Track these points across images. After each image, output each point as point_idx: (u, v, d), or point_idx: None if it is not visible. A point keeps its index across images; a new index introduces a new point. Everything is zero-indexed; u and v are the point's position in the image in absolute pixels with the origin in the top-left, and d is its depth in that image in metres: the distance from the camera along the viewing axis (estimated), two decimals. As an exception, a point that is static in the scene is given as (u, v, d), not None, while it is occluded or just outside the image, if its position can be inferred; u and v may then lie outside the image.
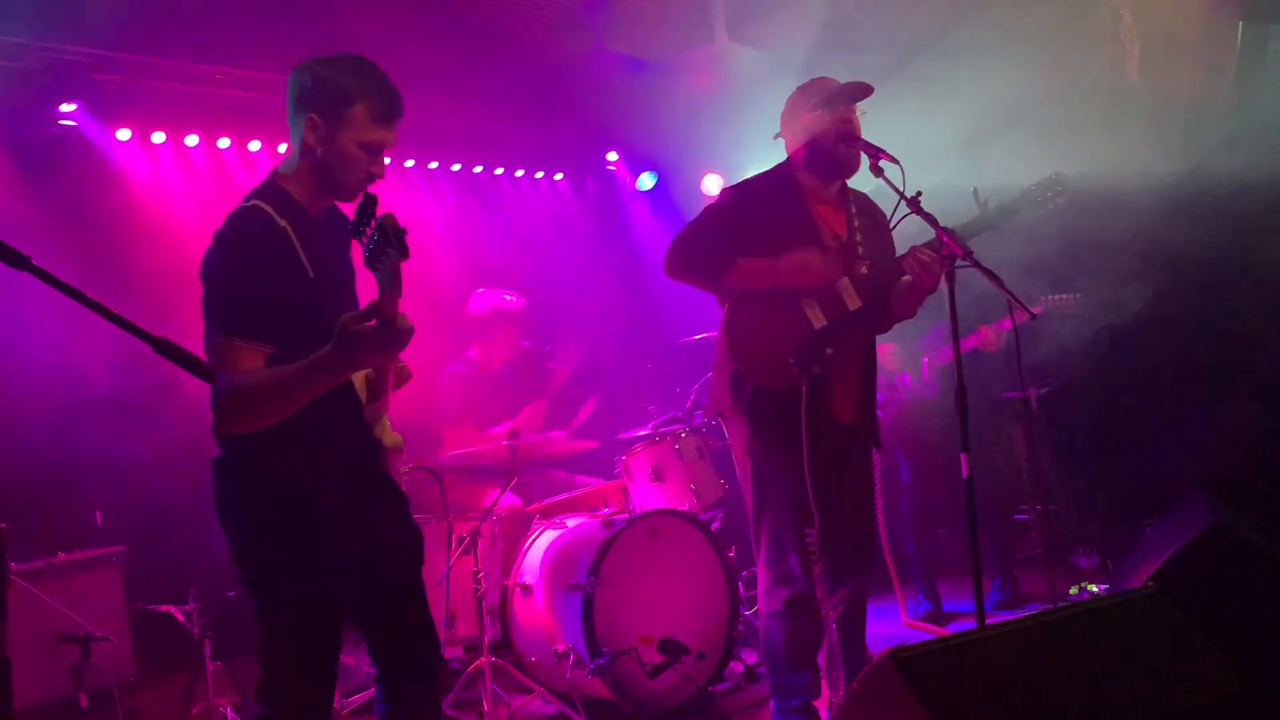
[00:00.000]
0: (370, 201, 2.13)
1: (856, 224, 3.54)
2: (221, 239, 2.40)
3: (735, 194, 3.57)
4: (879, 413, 5.09)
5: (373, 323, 2.13)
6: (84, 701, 4.09)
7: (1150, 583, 2.94)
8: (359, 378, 2.57)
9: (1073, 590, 5.01)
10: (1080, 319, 4.95)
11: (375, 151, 2.48)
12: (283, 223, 2.41)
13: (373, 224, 2.06)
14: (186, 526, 4.55)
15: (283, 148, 5.51)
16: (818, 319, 3.40)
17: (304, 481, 2.43)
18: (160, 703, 4.38)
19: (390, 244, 2.03)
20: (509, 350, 5.25)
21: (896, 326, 3.61)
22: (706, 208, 3.60)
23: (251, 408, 2.28)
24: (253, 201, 2.44)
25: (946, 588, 5.20)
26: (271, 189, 2.48)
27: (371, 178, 2.50)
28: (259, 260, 2.36)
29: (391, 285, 2.08)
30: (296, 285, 2.40)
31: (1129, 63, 5.41)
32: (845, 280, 3.42)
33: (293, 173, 2.50)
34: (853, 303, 3.41)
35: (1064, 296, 5.00)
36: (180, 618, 4.03)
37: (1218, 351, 5.14)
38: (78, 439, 4.55)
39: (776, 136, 3.63)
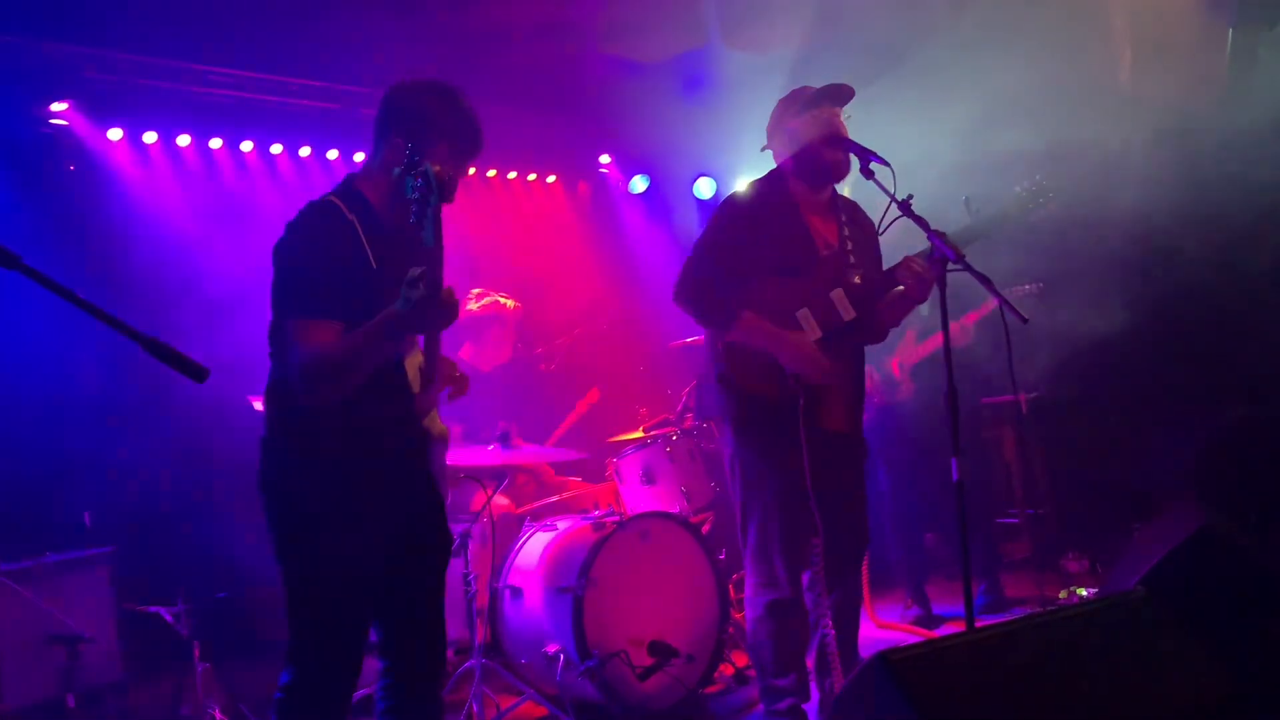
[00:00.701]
0: (415, 153, 2.29)
1: (847, 233, 3.55)
2: (293, 227, 2.53)
3: (730, 211, 3.54)
4: None
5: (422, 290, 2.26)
6: (71, 702, 4.07)
7: (1139, 586, 2.95)
8: (412, 367, 2.63)
9: (1062, 594, 5.02)
10: (1047, 308, 4.92)
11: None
12: (351, 217, 2.53)
13: (419, 176, 2.22)
14: (176, 527, 4.56)
15: (279, 147, 5.50)
16: (813, 330, 3.41)
17: (346, 460, 2.51)
18: (148, 704, 4.37)
19: (433, 190, 2.19)
20: (500, 353, 5.24)
21: None
22: (706, 231, 3.56)
23: (328, 374, 2.42)
24: (327, 197, 2.58)
25: (933, 591, 5.20)
26: (347, 189, 2.61)
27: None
28: (326, 245, 2.49)
29: (434, 236, 2.23)
30: (360, 272, 2.50)
31: (1120, 67, 5.44)
32: (839, 291, 3.42)
33: (372, 180, 2.61)
34: (846, 313, 3.41)
35: (1029, 286, 4.98)
36: (169, 619, 4.01)
37: (1207, 356, 5.16)
38: (67, 439, 4.53)
39: (764, 149, 3.63)
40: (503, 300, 5.19)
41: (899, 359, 5.06)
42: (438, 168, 2.24)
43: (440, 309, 2.33)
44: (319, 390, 2.44)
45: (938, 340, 4.83)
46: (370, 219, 2.56)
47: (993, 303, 4.87)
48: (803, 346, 3.36)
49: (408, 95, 2.61)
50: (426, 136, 2.54)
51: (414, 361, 2.66)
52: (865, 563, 4.91)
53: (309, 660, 2.51)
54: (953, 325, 4.84)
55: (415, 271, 2.25)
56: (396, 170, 2.40)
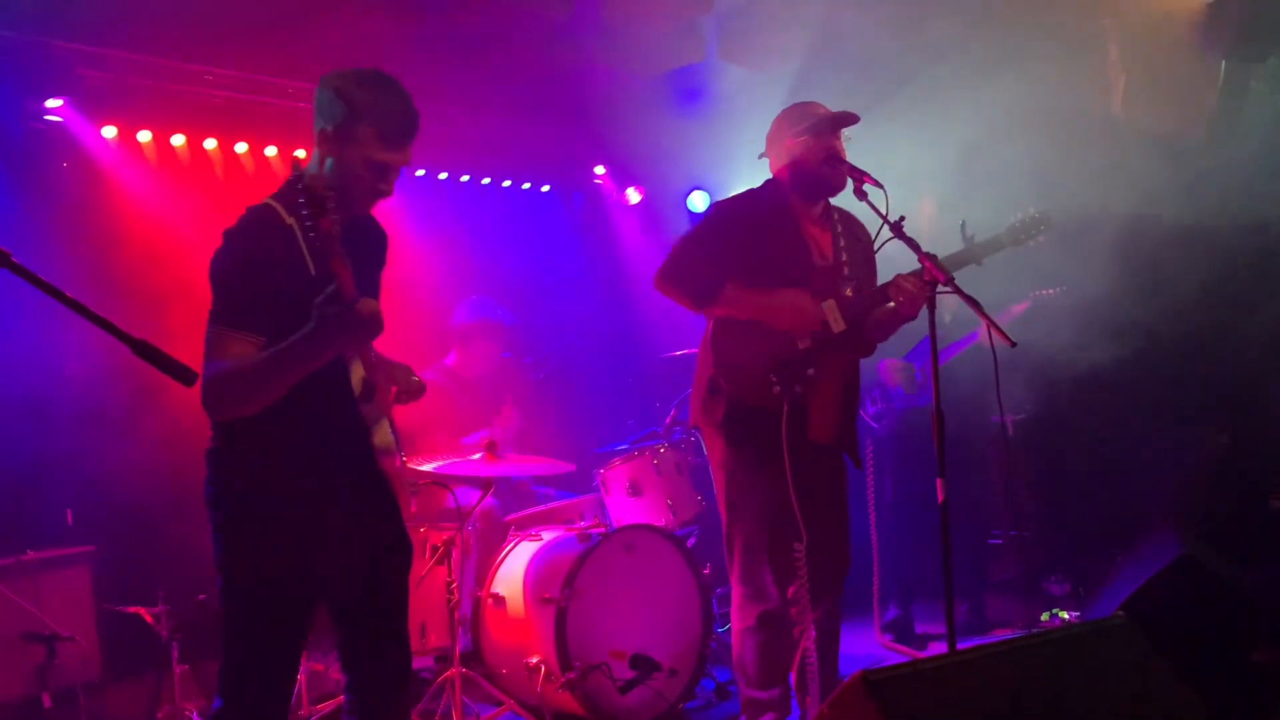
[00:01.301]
0: (298, 173, 2.23)
1: (842, 244, 3.56)
2: (228, 234, 2.46)
3: (727, 211, 3.58)
4: (874, 425, 5.13)
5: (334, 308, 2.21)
6: (47, 702, 4.04)
7: (1120, 612, 2.96)
8: (355, 377, 2.58)
9: (1044, 616, 5.03)
10: (1071, 311, 4.95)
11: (382, 170, 2.51)
12: (290, 221, 2.44)
13: (304, 197, 2.17)
14: (158, 528, 4.53)
15: (274, 149, 5.49)
16: (802, 339, 3.42)
17: (289, 474, 2.46)
18: (125, 705, 4.34)
19: (310, 207, 2.14)
20: (487, 362, 5.23)
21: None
22: (698, 224, 3.60)
23: (231, 390, 2.35)
24: (268, 200, 2.51)
25: (917, 610, 5.21)
26: (288, 191, 2.50)
27: (378, 194, 2.54)
28: (257, 255, 2.41)
29: (328, 248, 2.17)
30: (295, 281, 2.41)
31: (1114, 95, 5.48)
32: (831, 302, 3.44)
33: (311, 179, 2.50)
34: (837, 325, 3.43)
35: (1050, 291, 5.01)
36: (149, 619, 3.99)
37: (1193, 382, 5.19)
38: (50, 437, 4.51)
39: (761, 156, 3.65)
40: (497, 311, 5.16)
41: (922, 365, 5.07)
42: (328, 223, 2.17)
43: (356, 326, 2.26)
44: (220, 405, 2.36)
45: (968, 339, 4.88)
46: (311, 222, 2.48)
47: (1020, 307, 4.90)
48: (796, 303, 3.37)
49: (330, 83, 2.50)
50: (349, 121, 2.45)
51: (358, 372, 2.60)
52: (877, 576, 4.95)
53: (243, 686, 2.45)
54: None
55: (328, 290, 2.21)
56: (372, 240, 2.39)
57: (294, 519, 2.45)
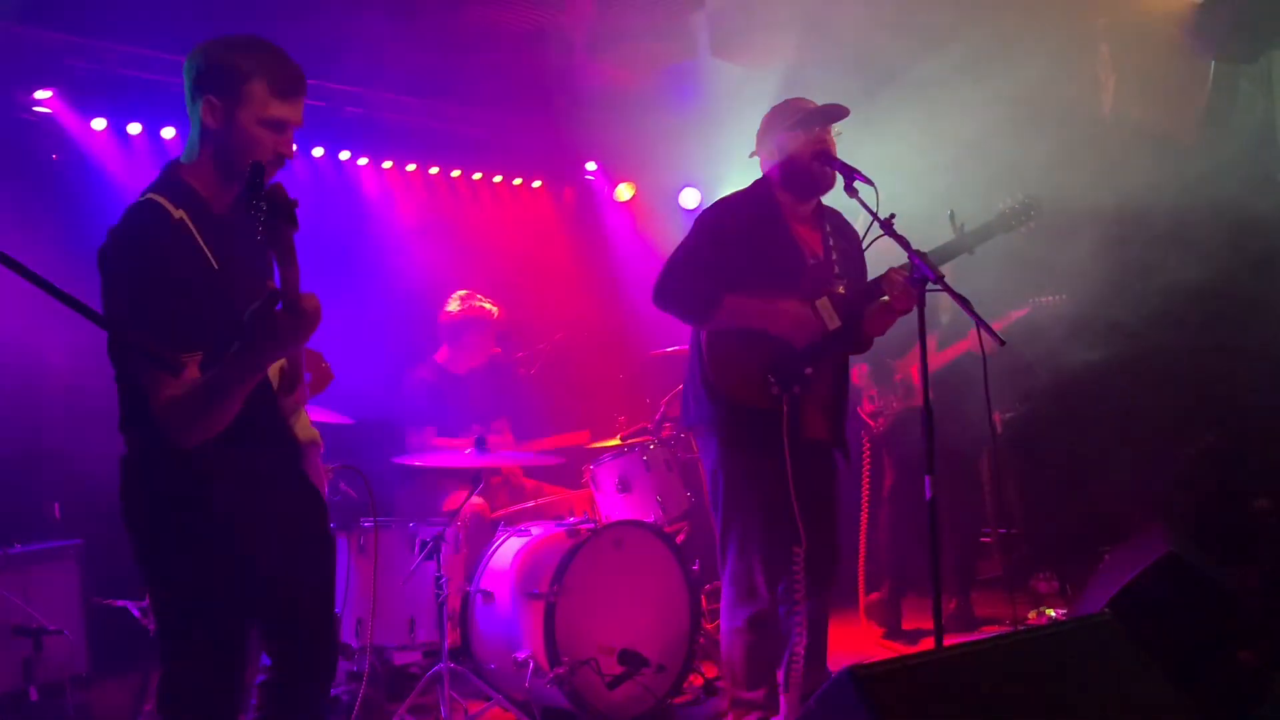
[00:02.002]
0: (257, 171, 2.05)
1: (832, 243, 3.57)
2: (116, 249, 2.29)
3: (715, 217, 3.56)
4: (872, 422, 5.14)
5: (279, 307, 2.06)
6: (34, 695, 4.02)
7: (1107, 609, 2.98)
8: (273, 370, 2.46)
9: (1032, 614, 5.06)
10: (1070, 319, 4.97)
11: (280, 129, 2.36)
12: (179, 214, 2.30)
13: (263, 200, 2.00)
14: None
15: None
16: (798, 340, 3.43)
17: (209, 475, 2.33)
18: (113, 698, 4.32)
19: (280, 216, 1.99)
20: (477, 356, 5.23)
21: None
22: (690, 235, 3.58)
23: (193, 420, 2.21)
24: (146, 195, 2.34)
25: (905, 606, 5.23)
26: (168, 181, 2.37)
27: (280, 158, 2.38)
28: (162, 264, 2.24)
29: (286, 259, 2.04)
30: (201, 279, 2.29)
31: (1104, 95, 5.50)
32: (824, 300, 3.45)
33: (194, 162, 2.39)
34: (831, 322, 3.44)
35: (1051, 298, 5.03)
36: (136, 614, 3.98)
37: (1181, 382, 5.22)
38: (37, 430, 4.49)
39: (752, 155, 3.66)
40: (485, 305, 5.18)
41: (918, 365, 5.05)
42: (283, 191, 2.01)
43: (307, 327, 2.11)
44: (189, 436, 2.22)
45: (959, 348, 4.89)
46: (200, 209, 2.33)
47: (1019, 312, 4.91)
48: (792, 312, 3.38)
49: (205, 51, 2.36)
50: (237, 81, 2.30)
51: (276, 364, 2.46)
52: (862, 572, 4.96)
53: (183, 700, 2.37)
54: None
55: (269, 295, 2.06)
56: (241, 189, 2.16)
57: (213, 519, 2.33)
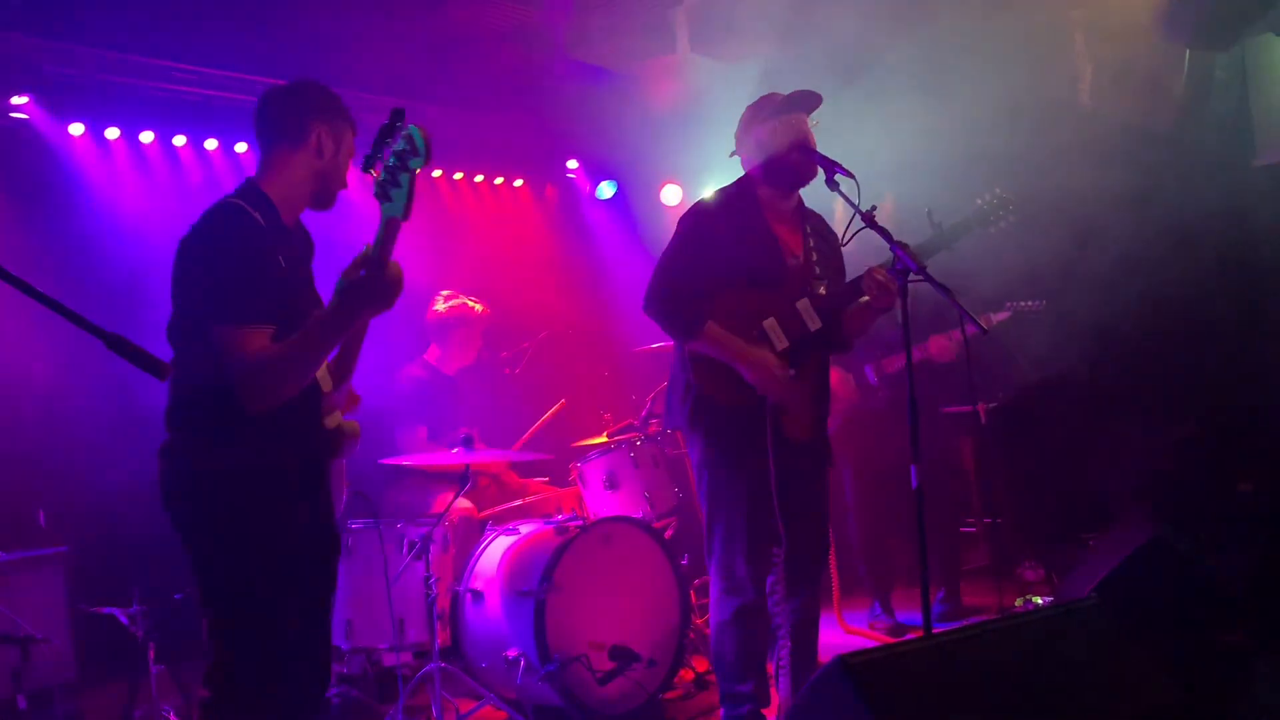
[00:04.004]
0: (398, 114, 2.23)
1: (812, 244, 3.59)
2: (205, 233, 2.48)
3: (695, 222, 3.55)
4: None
5: (364, 272, 2.26)
6: (22, 704, 4.00)
7: (1093, 594, 3.00)
8: (321, 372, 2.60)
9: (1018, 602, 5.09)
10: (1047, 325, 5.00)
11: (348, 158, 2.72)
12: (258, 218, 2.50)
13: (398, 135, 2.17)
14: (131, 527, 4.47)
15: (244, 146, 5.40)
16: (780, 340, 3.44)
17: (264, 467, 2.47)
18: (102, 706, 4.31)
19: (417, 151, 2.14)
20: (466, 356, 5.23)
21: None
22: (674, 242, 3.57)
23: (278, 381, 2.39)
24: (231, 199, 2.53)
25: (894, 598, 5.25)
26: (250, 192, 2.58)
27: (344, 185, 2.72)
28: (246, 248, 2.45)
29: (404, 204, 2.18)
30: (276, 272, 2.50)
31: (1081, 86, 5.53)
32: (805, 301, 3.46)
33: (277, 182, 2.61)
34: (812, 324, 3.45)
35: (1031, 304, 5.06)
36: (124, 620, 3.96)
37: (1162, 369, 5.26)
38: (19, 437, 4.46)
39: (732, 155, 3.66)
40: (470, 303, 5.18)
41: (875, 366, 5.06)
42: (423, 131, 2.18)
43: (389, 289, 2.32)
44: (263, 396, 2.39)
45: (918, 351, 4.90)
46: (275, 220, 2.56)
47: (999, 316, 4.93)
48: (766, 364, 3.37)
49: (315, 86, 2.68)
50: (343, 118, 2.66)
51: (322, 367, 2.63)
52: (835, 569, 4.98)
53: (248, 678, 2.45)
54: (940, 339, 4.91)
55: (364, 255, 2.30)
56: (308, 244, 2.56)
57: (275, 503, 2.47)
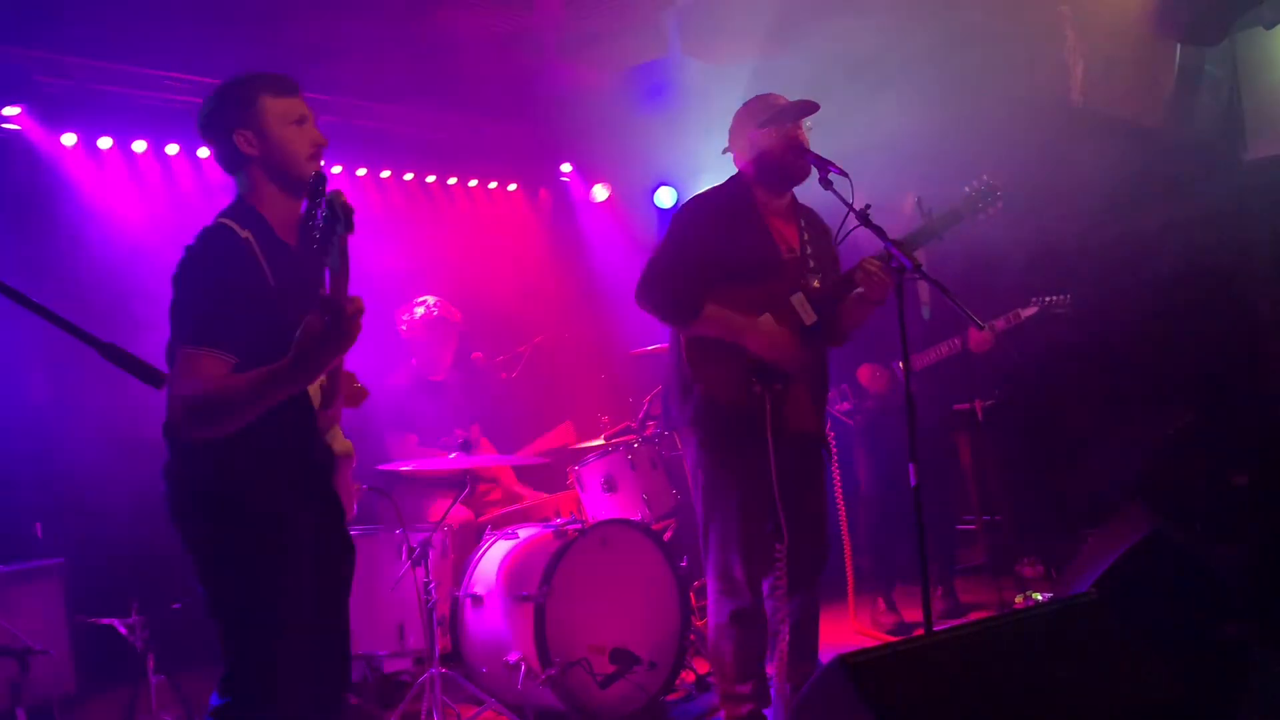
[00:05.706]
0: (320, 180, 2.21)
1: (807, 237, 3.59)
2: (188, 255, 2.48)
3: (691, 215, 3.56)
4: (847, 421, 5.15)
5: (325, 319, 2.18)
6: (21, 717, 3.99)
7: (1092, 589, 3.00)
8: (313, 386, 2.58)
9: (1018, 598, 5.08)
10: (1074, 320, 4.98)
11: (301, 122, 2.60)
12: (245, 234, 2.48)
13: (322, 203, 2.13)
14: (129, 538, 4.48)
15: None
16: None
17: (265, 484, 2.47)
18: (102, 717, 4.30)
19: (338, 219, 2.10)
20: (447, 360, 5.20)
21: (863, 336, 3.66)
22: (667, 235, 3.57)
23: (214, 413, 2.33)
24: (220, 219, 2.52)
25: (894, 597, 5.24)
26: (238, 206, 2.57)
27: (318, 146, 2.61)
28: (222, 273, 2.43)
29: (339, 264, 2.13)
30: (258, 295, 2.45)
31: (1072, 80, 5.53)
32: (800, 295, 3.46)
33: (254, 192, 2.57)
34: (808, 317, 3.45)
35: (1058, 298, 5.05)
36: (123, 631, 3.95)
37: (1156, 364, 5.26)
38: (16, 449, 4.45)
39: (725, 151, 3.66)
40: (436, 309, 5.10)
41: (897, 363, 5.06)
42: (342, 197, 2.14)
43: (350, 333, 2.21)
44: (193, 427, 2.36)
45: (954, 344, 4.90)
46: (265, 233, 2.53)
47: (1027, 311, 4.93)
48: (771, 332, 3.38)
49: (211, 102, 2.60)
50: (247, 104, 2.54)
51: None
52: (849, 567, 4.98)
53: (264, 684, 2.45)
54: (977, 331, 4.90)
55: (321, 305, 2.17)
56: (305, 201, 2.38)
57: (279, 516, 2.47)
